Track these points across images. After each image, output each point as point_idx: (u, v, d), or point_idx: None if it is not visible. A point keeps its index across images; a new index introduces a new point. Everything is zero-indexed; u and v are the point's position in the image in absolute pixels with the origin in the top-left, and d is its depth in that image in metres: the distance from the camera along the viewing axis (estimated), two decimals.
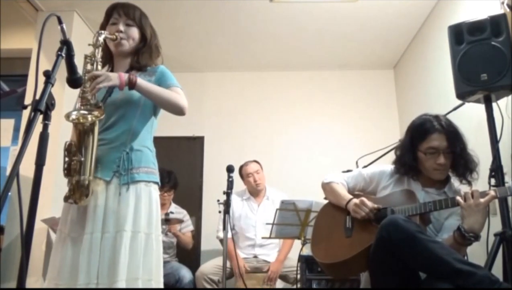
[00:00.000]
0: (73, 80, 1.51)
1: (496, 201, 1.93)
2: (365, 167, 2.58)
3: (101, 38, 1.72)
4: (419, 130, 1.99)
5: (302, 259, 2.86)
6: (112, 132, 1.76)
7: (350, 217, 2.04)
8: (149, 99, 1.76)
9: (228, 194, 2.69)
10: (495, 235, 1.87)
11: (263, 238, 3.16)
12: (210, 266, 3.37)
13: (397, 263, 1.68)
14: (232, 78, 4.76)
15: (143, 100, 1.78)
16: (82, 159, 1.61)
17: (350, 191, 2.16)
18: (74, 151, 1.62)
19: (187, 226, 3.70)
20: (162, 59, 1.96)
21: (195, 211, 4.24)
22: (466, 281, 1.51)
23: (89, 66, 1.69)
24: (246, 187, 3.76)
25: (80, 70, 1.57)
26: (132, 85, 1.67)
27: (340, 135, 4.51)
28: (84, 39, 1.74)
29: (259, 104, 4.67)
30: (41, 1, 3.46)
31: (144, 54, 1.88)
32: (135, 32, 1.86)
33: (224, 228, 2.69)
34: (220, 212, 2.94)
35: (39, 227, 2.96)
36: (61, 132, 2.52)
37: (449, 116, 2.14)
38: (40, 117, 1.29)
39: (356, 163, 3.03)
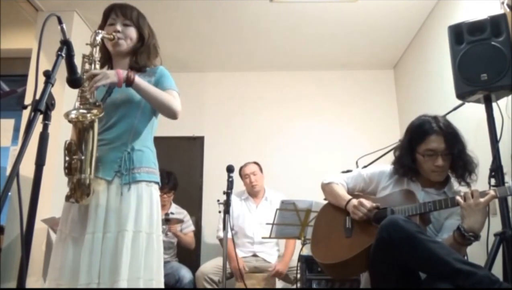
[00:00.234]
0: (73, 80, 1.51)
1: (496, 201, 1.93)
2: (365, 167, 2.58)
3: (98, 38, 1.72)
4: (417, 132, 1.98)
5: (302, 259, 2.86)
6: (113, 132, 1.76)
7: (350, 217, 2.04)
8: (144, 99, 1.76)
9: (228, 194, 2.70)
10: (495, 235, 1.87)
11: (263, 238, 3.16)
12: (211, 266, 3.37)
13: (397, 263, 1.68)
14: (232, 78, 4.76)
15: (143, 100, 1.79)
16: (83, 157, 1.61)
17: (350, 192, 2.16)
18: (74, 149, 1.62)
19: (188, 226, 3.71)
20: (160, 60, 1.97)
21: (195, 211, 4.24)
22: (466, 281, 1.51)
23: (87, 66, 1.69)
24: (245, 188, 3.78)
25: (79, 70, 1.57)
26: (130, 82, 1.67)
27: (340, 136, 4.52)
28: (84, 39, 1.74)
29: (259, 104, 4.67)
30: (41, 1, 3.46)
31: (142, 54, 1.88)
32: (132, 32, 1.86)
33: (224, 228, 2.69)
34: (220, 212, 2.94)
35: (39, 227, 2.95)
36: (61, 132, 2.51)
37: (449, 116, 2.14)
38: (40, 117, 1.29)
39: (356, 163, 3.03)
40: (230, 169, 2.75)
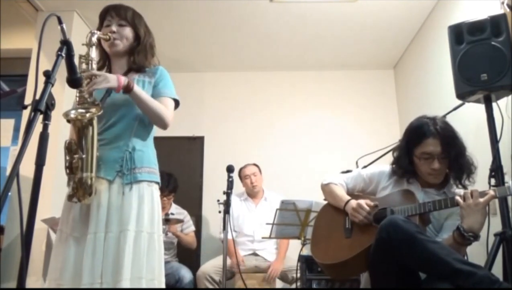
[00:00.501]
0: (73, 80, 1.51)
1: (496, 201, 1.93)
2: (365, 167, 2.58)
3: (94, 38, 1.73)
4: (414, 135, 1.97)
5: (302, 259, 2.86)
6: (113, 132, 1.76)
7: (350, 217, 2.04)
8: (138, 107, 1.77)
9: (228, 194, 2.70)
10: (495, 235, 1.87)
11: (263, 238, 3.17)
12: (212, 266, 3.38)
13: (397, 263, 1.68)
14: (232, 78, 4.76)
15: None
16: (84, 156, 1.61)
17: (350, 192, 2.16)
18: (74, 148, 1.62)
19: (189, 227, 3.71)
20: (158, 59, 1.97)
21: (195, 211, 4.24)
22: (466, 281, 1.51)
23: (84, 66, 1.69)
24: (244, 189, 3.80)
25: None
26: (128, 90, 1.68)
27: (340, 136, 4.52)
28: (84, 39, 1.74)
29: (259, 104, 4.67)
30: (41, 1, 3.46)
31: (139, 54, 1.88)
32: (128, 32, 1.86)
33: (224, 228, 2.69)
34: (220, 212, 2.95)
35: (39, 227, 2.95)
36: (61, 132, 2.52)
37: (449, 117, 2.14)
38: (40, 117, 1.29)
39: (356, 163, 3.03)
40: (230, 169, 2.75)
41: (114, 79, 1.65)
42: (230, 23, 3.81)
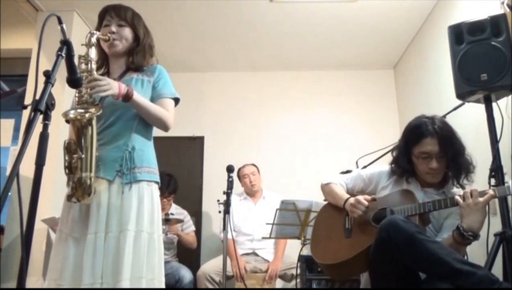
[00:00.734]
0: (73, 80, 1.51)
1: (496, 201, 1.93)
2: (364, 167, 2.58)
3: (93, 38, 1.73)
4: (413, 134, 1.98)
5: (302, 259, 2.86)
6: (113, 132, 1.77)
7: (350, 217, 2.04)
8: (139, 113, 1.78)
9: (228, 194, 2.70)
10: (495, 235, 1.86)
11: (263, 238, 3.17)
12: (212, 266, 3.38)
13: (397, 263, 1.68)
14: (232, 78, 4.76)
15: None
16: (83, 156, 1.62)
17: (349, 192, 2.16)
18: (74, 148, 1.62)
19: (189, 227, 3.72)
20: (156, 59, 1.97)
21: (195, 211, 4.24)
22: (466, 281, 1.51)
23: (83, 66, 1.69)
24: (243, 189, 3.81)
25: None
26: (127, 98, 1.69)
27: (340, 136, 4.51)
28: (84, 39, 1.74)
29: (259, 104, 4.67)
30: (41, 1, 3.46)
31: (138, 54, 1.89)
32: (127, 33, 1.86)
33: (224, 228, 2.70)
34: (220, 212, 2.95)
35: (39, 227, 2.95)
36: (61, 132, 2.52)
37: (449, 117, 2.14)
38: (40, 117, 1.29)
39: (356, 163, 3.03)
40: (230, 169, 2.76)
41: (116, 87, 1.65)
42: (230, 23, 3.81)
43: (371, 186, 2.14)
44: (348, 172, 2.47)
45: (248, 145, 4.50)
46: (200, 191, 4.43)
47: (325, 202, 2.28)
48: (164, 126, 1.82)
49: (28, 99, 3.24)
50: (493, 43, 2.00)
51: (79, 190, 1.61)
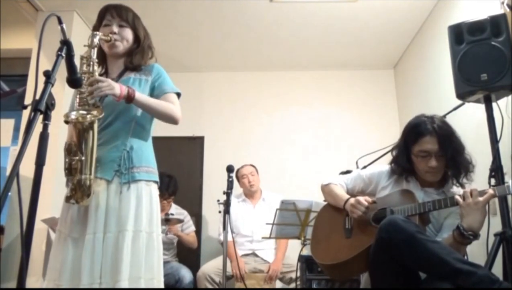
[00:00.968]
0: (73, 81, 1.51)
1: (496, 201, 1.93)
2: (364, 167, 2.58)
3: (96, 39, 1.73)
4: (412, 133, 1.98)
5: (302, 259, 2.86)
6: (111, 131, 1.76)
7: (350, 217, 2.04)
8: (144, 111, 1.78)
9: (228, 194, 2.70)
10: (495, 235, 1.87)
11: (263, 238, 3.17)
12: (212, 266, 3.38)
13: (397, 263, 1.68)
14: (232, 78, 4.76)
15: None
16: (83, 158, 1.61)
17: (350, 192, 2.16)
18: (74, 150, 1.62)
19: (189, 227, 3.71)
20: (156, 59, 1.97)
21: (195, 211, 4.24)
22: (466, 281, 1.51)
23: (85, 67, 1.69)
24: (242, 190, 3.80)
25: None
26: (129, 100, 1.69)
27: (340, 136, 4.51)
28: (84, 39, 1.74)
29: (259, 104, 4.67)
30: (41, 1, 3.46)
31: (137, 55, 1.89)
32: (128, 34, 1.86)
33: (224, 228, 2.69)
34: (220, 212, 2.95)
35: (39, 227, 2.95)
36: (61, 132, 2.51)
37: (449, 116, 2.14)
38: (40, 117, 1.29)
39: (356, 163, 3.03)
40: (230, 169, 2.75)
41: (117, 88, 1.65)
42: (230, 23, 3.81)
43: (371, 186, 2.14)
44: (348, 172, 2.47)
45: (248, 145, 4.50)
46: (200, 191, 4.43)
47: (325, 202, 2.28)
48: (173, 120, 1.81)
49: (28, 99, 3.24)
50: (493, 43, 2.01)
51: (78, 192, 1.61)
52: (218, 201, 2.89)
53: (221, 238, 3.43)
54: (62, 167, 1.63)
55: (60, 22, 1.44)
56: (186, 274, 3.36)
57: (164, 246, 1.82)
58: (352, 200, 2.01)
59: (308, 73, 4.71)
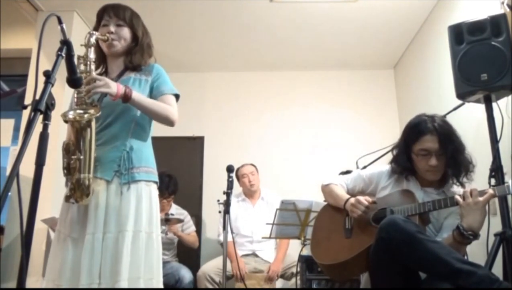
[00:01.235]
0: (73, 81, 1.51)
1: (496, 201, 1.93)
2: (364, 167, 2.58)
3: (92, 39, 1.73)
4: (413, 132, 1.98)
5: (302, 259, 2.86)
6: (111, 132, 1.76)
7: (350, 218, 2.04)
8: (141, 111, 1.78)
9: (228, 194, 2.70)
10: (495, 235, 1.87)
11: (263, 238, 3.17)
12: (212, 266, 3.38)
13: (397, 263, 1.68)
14: (232, 78, 4.76)
15: None
16: (81, 157, 1.62)
17: (350, 193, 2.16)
18: (72, 149, 1.62)
19: (190, 227, 3.71)
20: (155, 59, 1.97)
21: (195, 211, 4.24)
22: (466, 281, 1.51)
23: (82, 67, 1.69)
24: (241, 189, 3.80)
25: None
26: (126, 99, 1.69)
27: (340, 136, 4.51)
28: (84, 39, 1.74)
29: (259, 104, 4.67)
30: (41, 1, 3.46)
31: (136, 54, 1.88)
32: (126, 33, 1.86)
33: (224, 228, 2.69)
34: (220, 212, 2.94)
35: (39, 227, 2.95)
36: (61, 132, 2.52)
37: (449, 116, 2.14)
38: (40, 117, 1.29)
39: (356, 163, 3.02)
40: (230, 169, 2.75)
41: (114, 87, 1.65)
42: (230, 23, 3.81)
43: (371, 186, 2.14)
44: (347, 172, 2.47)
45: (248, 145, 4.50)
46: (200, 191, 4.43)
47: (325, 202, 2.28)
48: (169, 122, 1.81)
49: (28, 99, 3.24)
50: (493, 43, 2.01)
51: (77, 191, 1.61)
52: (218, 201, 2.89)
53: (220, 238, 3.44)
54: (62, 167, 1.63)
55: (60, 22, 1.44)
56: (186, 274, 3.36)
57: (164, 246, 1.82)
58: (352, 200, 2.01)
59: (308, 73, 4.71)
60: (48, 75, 1.33)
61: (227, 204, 2.69)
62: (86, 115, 1.61)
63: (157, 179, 1.82)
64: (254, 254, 3.54)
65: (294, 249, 3.45)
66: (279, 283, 3.57)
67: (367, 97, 4.63)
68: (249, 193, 3.75)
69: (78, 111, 1.63)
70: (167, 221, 3.30)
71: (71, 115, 1.61)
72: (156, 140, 1.90)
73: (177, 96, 1.90)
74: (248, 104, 4.67)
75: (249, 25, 3.84)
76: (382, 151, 2.80)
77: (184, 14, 3.67)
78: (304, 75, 4.72)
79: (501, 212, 1.91)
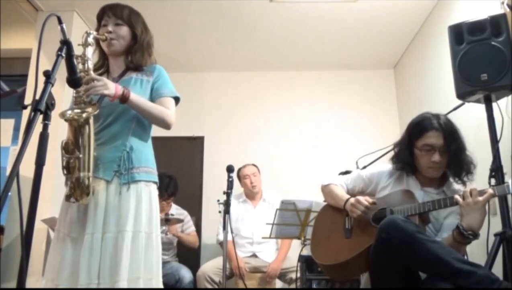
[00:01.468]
0: (73, 80, 1.51)
1: (497, 201, 1.93)
2: (364, 167, 2.58)
3: (90, 38, 1.73)
4: (417, 127, 1.99)
5: (302, 259, 2.86)
6: (111, 132, 1.77)
7: (349, 218, 2.04)
8: (138, 113, 1.78)
9: (228, 194, 2.70)
10: (495, 235, 1.87)
11: (263, 238, 3.17)
12: (212, 266, 3.37)
13: (397, 263, 1.68)
14: (232, 78, 4.76)
15: None
16: (81, 156, 1.62)
17: (350, 193, 2.16)
18: (71, 148, 1.62)
19: (190, 227, 3.71)
20: (155, 59, 1.97)
21: (195, 211, 4.24)
22: (466, 281, 1.51)
23: (80, 66, 1.70)
24: (243, 190, 3.78)
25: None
26: (124, 100, 1.69)
27: (340, 135, 4.51)
28: (81, 39, 1.75)
29: (259, 104, 4.67)
30: (41, 1, 3.46)
31: (136, 53, 1.88)
32: (124, 31, 1.86)
33: (224, 228, 2.69)
34: (220, 212, 2.94)
35: (39, 227, 2.95)
36: (61, 132, 2.52)
37: (449, 116, 2.14)
38: (40, 117, 1.29)
39: (356, 163, 3.02)
40: (230, 169, 2.75)
41: (112, 87, 1.66)
42: (230, 23, 3.81)
43: (371, 186, 2.14)
44: (347, 172, 2.47)
45: (248, 144, 4.50)
46: (200, 191, 4.43)
47: (325, 203, 2.28)
48: (165, 125, 1.81)
49: (28, 99, 3.24)
50: (493, 43, 2.01)
51: (77, 190, 1.61)
52: (218, 201, 2.89)
53: (220, 237, 3.44)
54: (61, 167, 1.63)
55: (60, 22, 1.44)
56: (186, 274, 3.36)
57: (164, 246, 1.83)
58: (352, 200, 2.01)
59: (308, 73, 4.71)
60: (48, 75, 1.33)
61: (227, 204, 2.69)
62: (84, 114, 1.61)
63: (157, 179, 1.82)
64: (254, 255, 3.53)
65: (294, 249, 3.45)
66: (278, 283, 3.57)
67: (367, 97, 4.63)
68: (251, 194, 3.72)
69: (76, 110, 1.63)
70: (167, 221, 3.30)
71: (69, 114, 1.61)
72: (156, 141, 1.90)
73: (177, 99, 1.90)
74: (248, 104, 4.67)
75: (249, 25, 3.84)
76: (382, 151, 2.79)
77: (184, 14, 3.67)
78: (304, 75, 4.72)
79: (501, 212, 1.91)
